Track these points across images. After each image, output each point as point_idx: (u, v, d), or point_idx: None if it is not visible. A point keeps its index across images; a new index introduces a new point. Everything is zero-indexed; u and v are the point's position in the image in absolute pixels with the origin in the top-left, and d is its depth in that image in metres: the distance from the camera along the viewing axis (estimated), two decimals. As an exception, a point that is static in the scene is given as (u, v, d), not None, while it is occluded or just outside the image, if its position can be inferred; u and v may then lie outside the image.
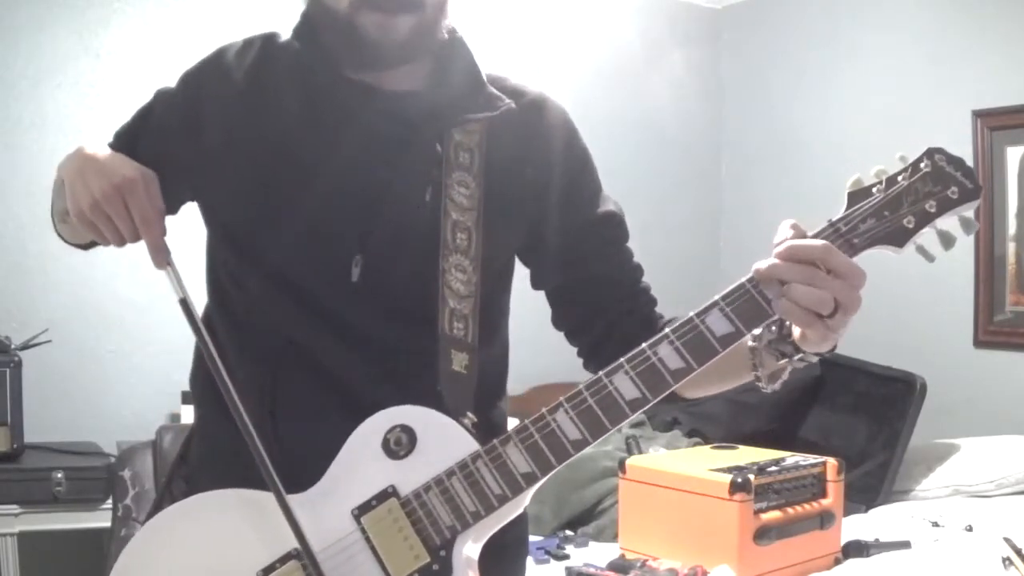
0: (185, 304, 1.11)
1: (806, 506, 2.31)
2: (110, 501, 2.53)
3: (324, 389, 1.16)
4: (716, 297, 1.05)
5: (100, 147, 1.18)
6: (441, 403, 1.11)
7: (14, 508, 2.68)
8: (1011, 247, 3.45)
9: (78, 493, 2.73)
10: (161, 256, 1.13)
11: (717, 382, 1.21)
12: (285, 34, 1.25)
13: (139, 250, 1.14)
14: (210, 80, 1.23)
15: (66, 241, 1.33)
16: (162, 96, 1.29)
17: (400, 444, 1.08)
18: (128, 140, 1.27)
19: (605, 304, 1.27)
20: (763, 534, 2.20)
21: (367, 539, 1.07)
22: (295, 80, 1.20)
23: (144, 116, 1.30)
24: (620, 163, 3.93)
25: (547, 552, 2.49)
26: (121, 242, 1.13)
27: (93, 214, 1.11)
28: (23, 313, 2.97)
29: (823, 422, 3.34)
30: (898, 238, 1.04)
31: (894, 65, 3.76)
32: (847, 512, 2.52)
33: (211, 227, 1.26)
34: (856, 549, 2.40)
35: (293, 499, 1.08)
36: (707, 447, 2.72)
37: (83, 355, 3.08)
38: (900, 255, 1.06)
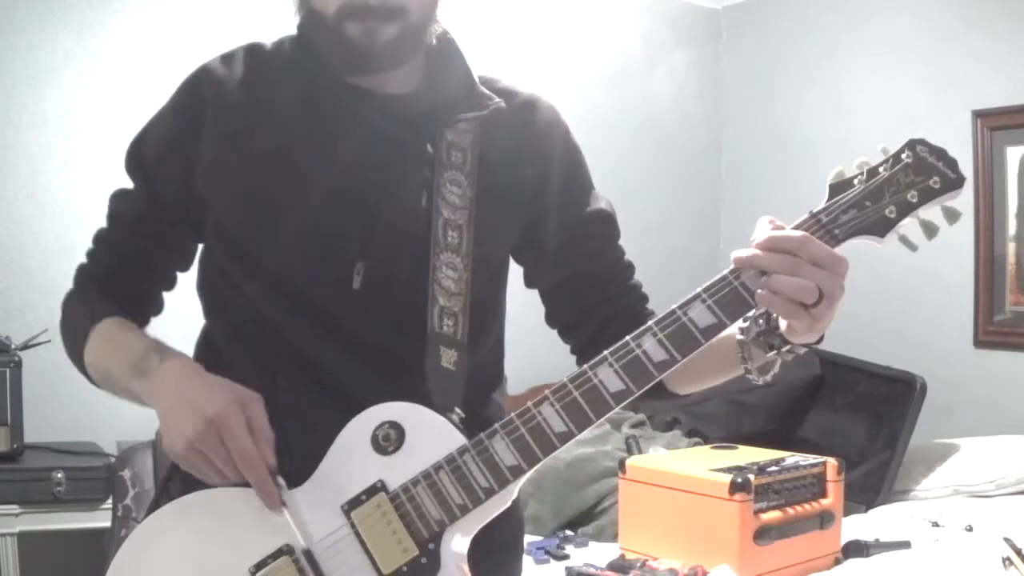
0: (309, 555, 1.06)
1: (806, 506, 2.31)
2: (110, 501, 2.53)
3: (321, 390, 1.16)
4: (698, 289, 1.06)
5: (191, 373, 1.11)
6: (429, 399, 1.12)
7: (14, 508, 2.67)
8: (1011, 247, 3.45)
9: (78, 493, 2.72)
10: (272, 499, 1.06)
11: (708, 376, 1.22)
12: (268, 42, 1.25)
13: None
14: (208, 97, 1.21)
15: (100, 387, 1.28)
16: (148, 132, 1.27)
17: (389, 440, 1.09)
18: (146, 185, 1.25)
19: (597, 302, 1.28)
20: (763, 534, 2.20)
21: (357, 534, 1.07)
22: (290, 85, 1.20)
23: (140, 154, 1.27)
24: (620, 162, 3.94)
25: (547, 552, 2.49)
26: (226, 480, 1.08)
27: (189, 454, 1.06)
28: (23, 313, 2.97)
29: (823, 422, 3.34)
30: (880, 228, 1.05)
31: (894, 65, 3.76)
32: (847, 512, 2.52)
33: (211, 234, 1.25)
34: (856, 549, 2.40)
35: (284, 496, 1.08)
36: (707, 447, 2.72)
37: (83, 355, 3.08)
38: (883, 245, 1.06)
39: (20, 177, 3.01)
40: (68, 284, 1.32)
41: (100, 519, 2.68)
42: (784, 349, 1.10)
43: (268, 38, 1.28)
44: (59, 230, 2.98)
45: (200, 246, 1.30)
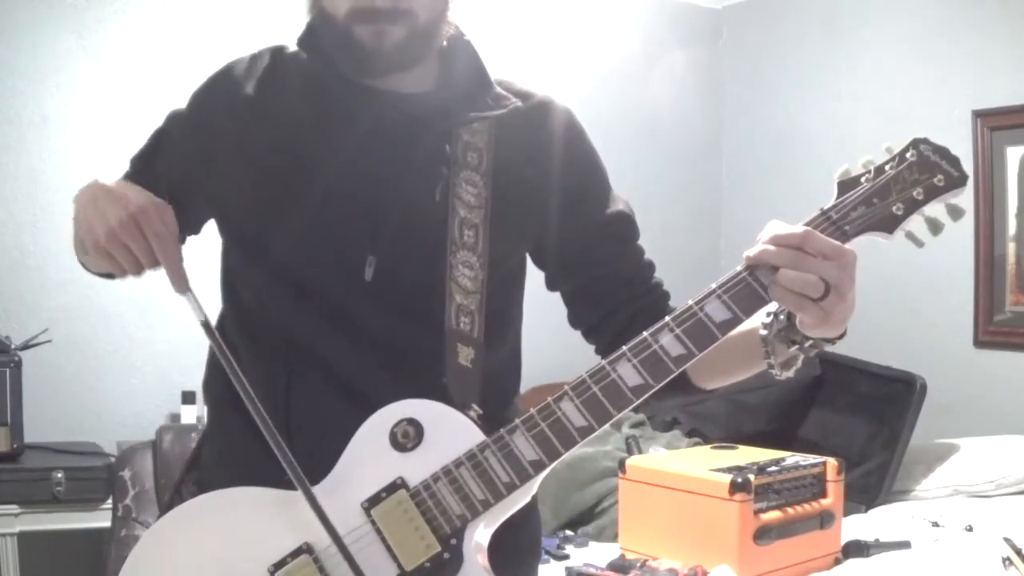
0: (208, 326, 1.12)
1: (806, 506, 2.31)
2: (110, 501, 2.53)
3: (334, 387, 1.17)
4: (713, 285, 1.08)
5: (113, 178, 1.19)
6: (446, 396, 1.13)
7: (14, 508, 2.68)
8: (1011, 247, 3.45)
9: (78, 493, 2.73)
10: (181, 281, 1.14)
11: (733, 371, 1.23)
12: (291, 45, 1.27)
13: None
14: (221, 94, 1.25)
15: (91, 271, 1.33)
16: (175, 117, 1.31)
17: (407, 437, 1.09)
18: (144, 163, 1.30)
19: (619, 303, 1.29)
20: (763, 534, 2.20)
21: (377, 531, 1.08)
22: (304, 86, 1.22)
23: (158, 138, 1.32)
24: (620, 163, 3.92)
25: (547, 552, 2.49)
26: (139, 270, 1.14)
27: (109, 243, 1.12)
28: (23, 313, 2.97)
29: (823, 422, 3.34)
30: (888, 224, 1.08)
31: (894, 65, 3.76)
32: (847, 512, 2.52)
33: (224, 232, 1.28)
34: (856, 549, 2.40)
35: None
36: (707, 447, 2.73)
37: (83, 355, 3.08)
38: (891, 241, 1.09)
39: (20, 177, 3.01)
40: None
41: (100, 519, 2.68)
42: (807, 344, 1.11)
43: (272, 39, 1.30)
44: (59, 230, 2.97)
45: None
